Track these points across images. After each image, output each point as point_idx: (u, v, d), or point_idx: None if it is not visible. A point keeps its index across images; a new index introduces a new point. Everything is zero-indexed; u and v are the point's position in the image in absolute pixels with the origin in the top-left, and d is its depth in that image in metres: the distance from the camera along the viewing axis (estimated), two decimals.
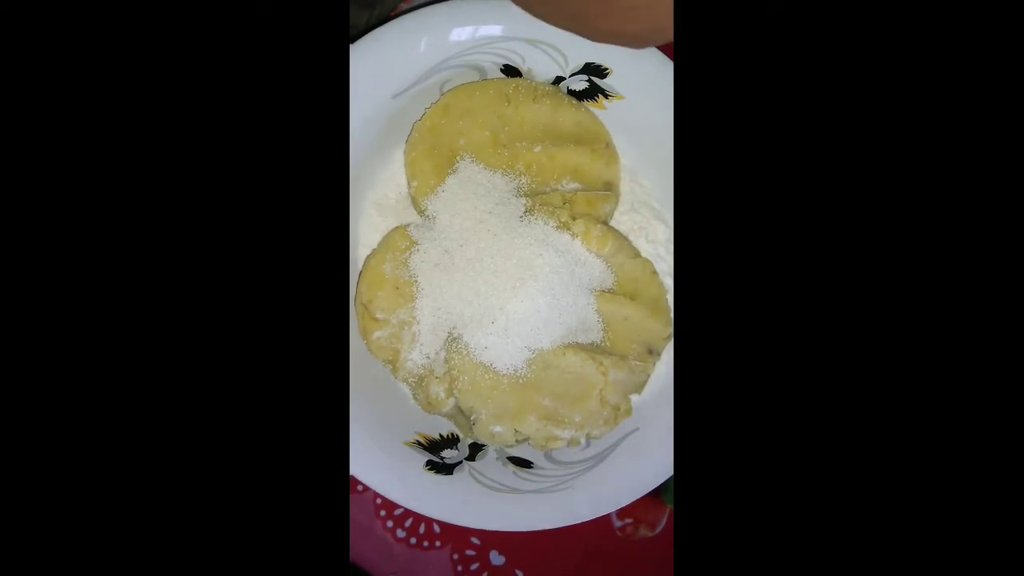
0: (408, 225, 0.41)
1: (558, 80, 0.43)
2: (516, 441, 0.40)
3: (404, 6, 0.45)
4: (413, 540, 0.44)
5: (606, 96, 0.43)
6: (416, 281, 0.40)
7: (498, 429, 0.39)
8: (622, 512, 0.44)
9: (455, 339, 0.39)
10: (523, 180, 0.41)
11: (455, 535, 0.44)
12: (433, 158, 0.41)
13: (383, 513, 0.44)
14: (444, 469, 0.40)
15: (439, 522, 0.44)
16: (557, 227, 0.39)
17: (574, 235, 0.40)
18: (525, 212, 0.40)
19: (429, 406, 0.41)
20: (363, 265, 0.41)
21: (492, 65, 0.42)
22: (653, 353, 0.41)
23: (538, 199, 0.40)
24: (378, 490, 0.38)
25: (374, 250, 0.41)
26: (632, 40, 0.32)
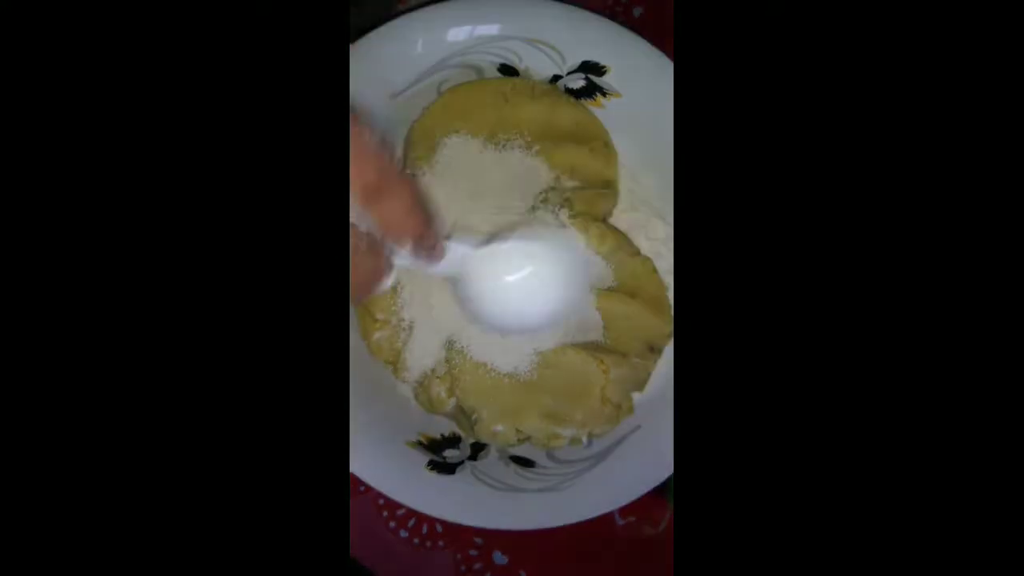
0: None
1: (555, 79, 0.43)
2: (518, 440, 0.40)
3: (400, 7, 0.45)
4: (416, 541, 0.44)
5: (604, 94, 0.43)
6: (417, 281, 0.40)
7: (500, 428, 0.39)
8: (625, 510, 0.44)
9: (456, 339, 0.39)
10: None
11: (458, 535, 0.44)
12: (432, 158, 0.41)
13: (385, 514, 0.44)
14: (446, 469, 0.40)
15: (442, 522, 0.44)
16: (556, 226, 0.39)
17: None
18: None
19: (430, 406, 0.41)
20: None
21: (489, 65, 0.42)
22: (654, 351, 0.41)
23: (536, 197, 0.40)
24: (380, 490, 0.38)
25: None
26: None
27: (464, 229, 0.37)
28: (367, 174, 0.26)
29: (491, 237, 0.36)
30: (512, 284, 0.34)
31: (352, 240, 0.26)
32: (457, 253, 0.33)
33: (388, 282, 0.30)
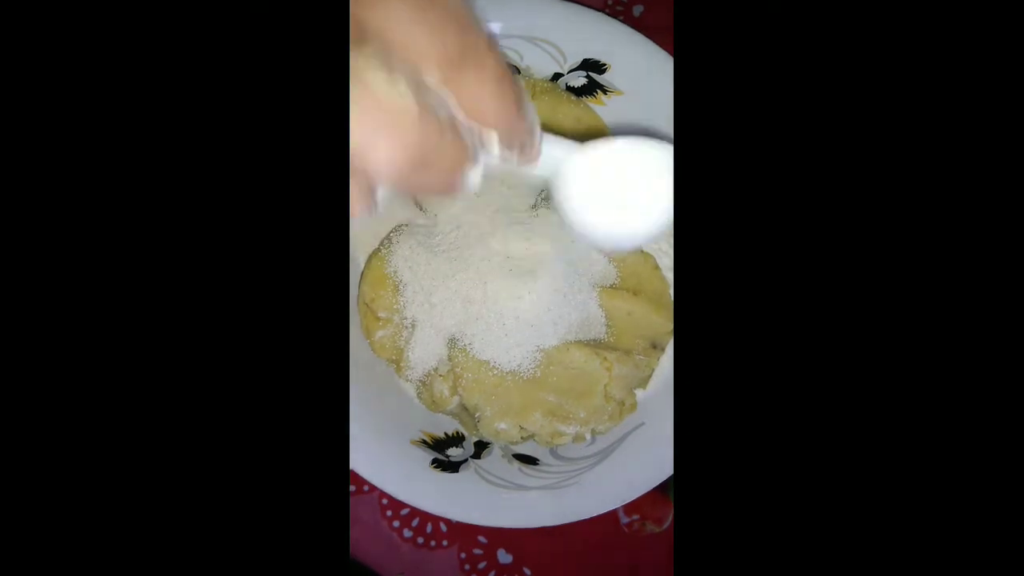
0: (409, 224, 0.41)
1: (556, 76, 0.43)
2: (521, 438, 0.40)
3: None
4: (420, 540, 0.44)
5: (605, 92, 0.43)
6: (418, 280, 0.40)
7: (503, 426, 0.39)
8: (629, 508, 0.44)
9: (459, 337, 0.39)
10: None
11: (462, 534, 0.44)
12: None
13: (389, 513, 0.44)
14: (450, 467, 0.40)
15: (446, 521, 0.44)
16: (558, 223, 0.39)
17: None
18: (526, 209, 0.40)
19: (434, 404, 0.41)
20: (365, 265, 0.41)
21: None
22: (657, 348, 0.41)
23: (539, 195, 0.40)
24: (384, 488, 0.38)
25: (376, 249, 0.41)
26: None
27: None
28: (447, 40, 0.21)
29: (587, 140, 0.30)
30: (616, 193, 0.28)
31: (431, 125, 0.20)
32: (552, 156, 0.28)
33: (476, 180, 0.23)
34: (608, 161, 0.28)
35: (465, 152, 0.22)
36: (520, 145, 0.24)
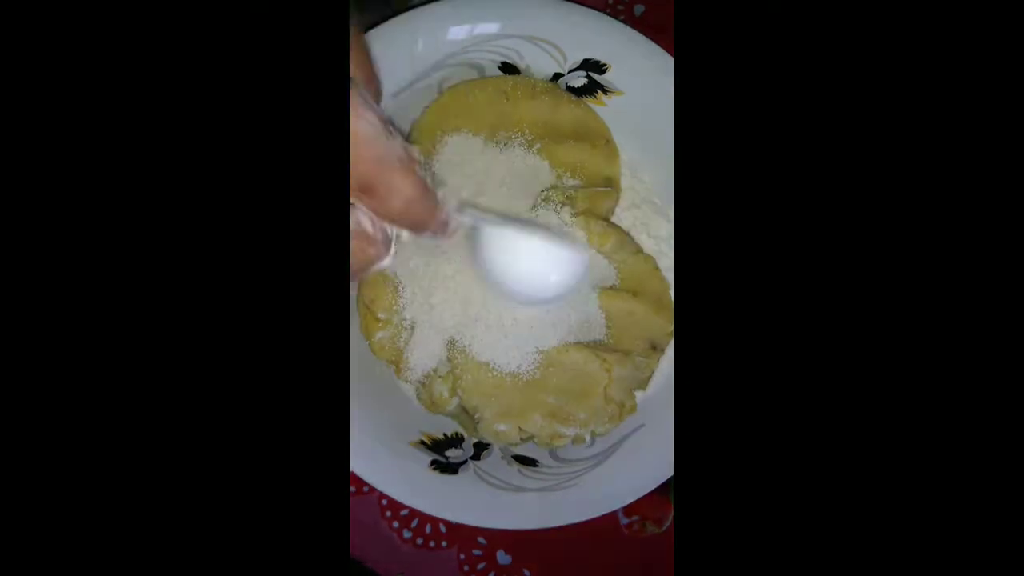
0: None
1: (556, 77, 0.42)
2: (521, 439, 0.40)
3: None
4: (420, 540, 0.44)
5: (605, 92, 0.43)
6: (418, 280, 0.39)
7: (502, 428, 0.39)
8: (629, 509, 0.44)
9: (458, 338, 0.39)
10: None
11: (461, 535, 0.44)
12: (433, 157, 0.41)
13: (389, 514, 0.44)
14: (449, 468, 0.40)
15: (445, 522, 0.44)
16: (558, 224, 0.39)
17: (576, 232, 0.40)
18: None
19: (433, 406, 0.40)
20: None
21: (490, 63, 0.42)
22: (657, 349, 0.41)
23: (538, 196, 0.40)
24: (383, 490, 0.38)
25: None
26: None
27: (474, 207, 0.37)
28: (360, 164, 0.24)
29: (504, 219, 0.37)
30: (525, 249, 0.36)
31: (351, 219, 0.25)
32: (469, 221, 0.33)
33: (388, 260, 0.27)
34: (514, 241, 0.35)
35: (374, 250, 0.26)
36: (432, 234, 0.28)
